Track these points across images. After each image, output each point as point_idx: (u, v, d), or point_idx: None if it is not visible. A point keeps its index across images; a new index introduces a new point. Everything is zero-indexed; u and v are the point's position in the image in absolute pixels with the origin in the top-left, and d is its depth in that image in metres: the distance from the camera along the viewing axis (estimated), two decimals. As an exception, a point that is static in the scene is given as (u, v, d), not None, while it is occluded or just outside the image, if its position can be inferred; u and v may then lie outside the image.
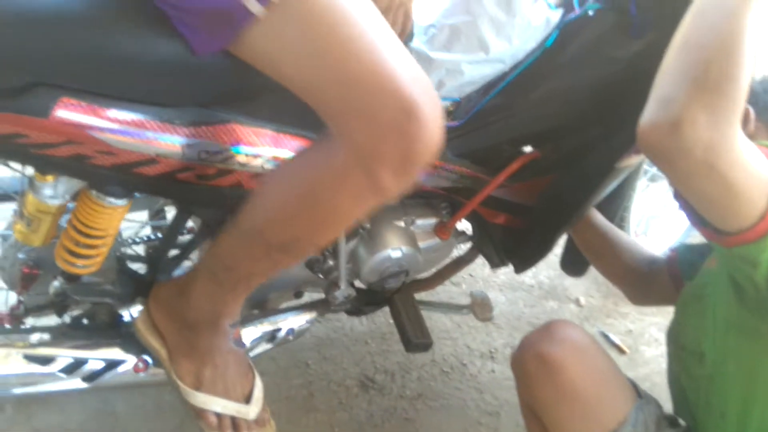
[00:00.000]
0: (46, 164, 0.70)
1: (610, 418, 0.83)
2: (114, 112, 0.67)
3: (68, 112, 0.65)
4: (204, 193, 0.80)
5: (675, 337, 0.94)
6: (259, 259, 0.74)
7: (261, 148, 0.78)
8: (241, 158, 0.77)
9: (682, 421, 0.92)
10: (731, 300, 0.80)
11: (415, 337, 1.03)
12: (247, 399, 0.87)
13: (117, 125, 0.67)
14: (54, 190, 0.75)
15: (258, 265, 0.76)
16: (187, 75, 0.67)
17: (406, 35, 0.80)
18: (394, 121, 0.61)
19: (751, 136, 0.81)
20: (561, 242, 1.34)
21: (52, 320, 0.91)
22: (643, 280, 1.13)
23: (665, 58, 0.66)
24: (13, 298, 0.91)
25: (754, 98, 0.86)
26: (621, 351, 1.58)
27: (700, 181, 0.64)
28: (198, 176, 0.77)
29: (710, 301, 0.85)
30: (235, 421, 0.86)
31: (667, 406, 0.95)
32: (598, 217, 1.17)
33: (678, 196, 0.81)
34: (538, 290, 1.69)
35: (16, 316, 0.89)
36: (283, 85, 0.65)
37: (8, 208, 0.87)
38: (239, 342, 0.95)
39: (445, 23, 0.84)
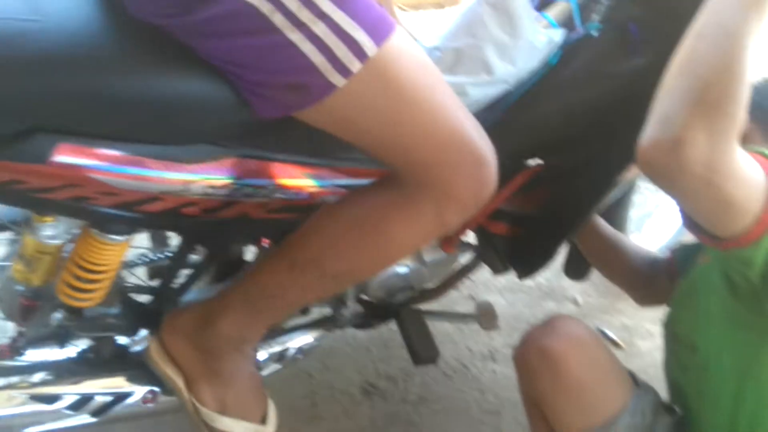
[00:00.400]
0: (46, 207, 0.68)
1: (609, 408, 0.84)
2: (114, 154, 0.64)
3: (67, 157, 0.62)
4: (210, 225, 0.77)
5: (670, 330, 0.95)
6: (311, 288, 0.77)
7: (267, 179, 0.75)
8: (246, 190, 0.74)
9: (678, 409, 0.93)
10: (724, 294, 0.81)
11: (423, 351, 1.03)
12: (263, 419, 0.88)
13: (118, 166, 0.64)
14: (53, 231, 0.72)
15: (306, 293, 0.78)
16: (189, 115, 0.64)
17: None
18: (471, 169, 0.70)
19: (744, 136, 0.82)
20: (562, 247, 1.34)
21: (55, 353, 0.88)
22: (646, 283, 1.13)
23: (666, 77, 0.65)
24: (13, 328, 0.88)
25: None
26: (618, 346, 1.58)
27: (698, 196, 0.64)
28: (203, 210, 0.74)
29: (702, 296, 0.86)
30: None
31: (664, 396, 0.96)
32: (602, 225, 1.17)
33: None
34: (537, 291, 1.68)
35: (17, 348, 0.87)
36: (352, 143, 0.69)
37: (5, 237, 0.84)
38: (257, 364, 0.94)
39: (450, 46, 0.82)
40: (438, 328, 1.51)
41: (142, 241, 0.99)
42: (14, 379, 0.78)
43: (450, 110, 0.68)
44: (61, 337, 0.87)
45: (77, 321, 0.83)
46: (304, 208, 0.82)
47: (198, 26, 0.59)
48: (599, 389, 0.86)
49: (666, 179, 0.64)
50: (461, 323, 1.22)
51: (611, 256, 1.16)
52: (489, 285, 1.67)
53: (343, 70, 0.61)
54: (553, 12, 0.91)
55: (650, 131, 0.63)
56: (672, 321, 0.95)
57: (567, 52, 0.85)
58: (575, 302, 1.68)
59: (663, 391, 0.97)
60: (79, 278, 0.77)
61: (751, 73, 0.61)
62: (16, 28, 0.55)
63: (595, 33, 0.84)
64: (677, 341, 0.93)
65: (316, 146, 0.73)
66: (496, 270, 1.17)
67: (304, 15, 0.58)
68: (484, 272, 1.66)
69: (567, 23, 0.87)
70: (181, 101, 0.63)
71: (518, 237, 1.12)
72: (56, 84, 0.58)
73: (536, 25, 0.82)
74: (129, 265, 0.97)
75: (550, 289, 1.69)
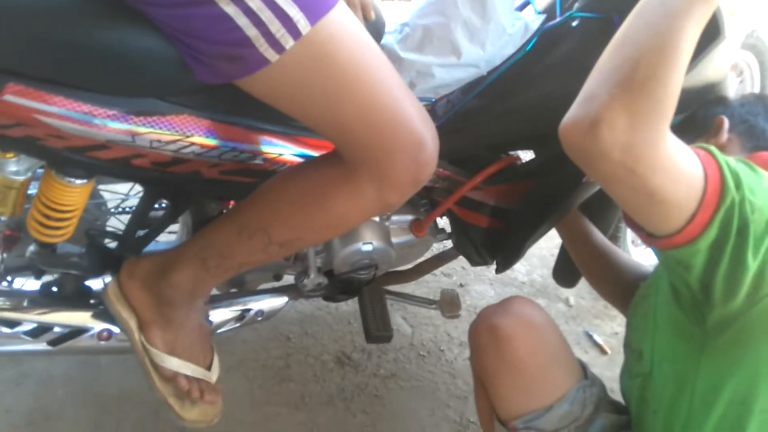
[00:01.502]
0: (4, 143, 0.69)
1: (549, 394, 0.81)
2: (62, 99, 0.64)
3: (16, 98, 0.62)
4: (164, 179, 0.77)
5: (625, 336, 0.90)
6: (257, 251, 0.77)
7: (216, 140, 0.74)
8: (195, 148, 0.73)
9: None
10: (669, 301, 0.76)
11: (375, 329, 1.01)
12: (209, 367, 0.89)
13: (65, 111, 0.65)
14: (17, 167, 0.74)
15: (253, 256, 0.78)
16: (135, 68, 0.63)
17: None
18: (411, 152, 0.68)
19: (722, 146, 0.76)
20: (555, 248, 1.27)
21: (23, 283, 0.92)
22: None
23: (601, 56, 0.59)
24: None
25: (730, 111, 0.80)
26: (603, 351, 1.51)
27: (621, 184, 0.59)
28: (153, 163, 0.74)
29: (652, 301, 0.81)
30: (199, 385, 0.87)
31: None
32: (595, 235, 1.08)
33: None
34: (529, 287, 1.62)
35: (-4, 275, 0.91)
36: (293, 117, 0.68)
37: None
38: (207, 318, 0.95)
39: (419, 23, 0.77)
40: (421, 311, 1.48)
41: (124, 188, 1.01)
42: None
43: (389, 92, 0.66)
44: (36, 269, 0.90)
45: (49, 256, 0.85)
46: (260, 173, 0.81)
47: None
48: (542, 374, 0.82)
49: (585, 161, 0.58)
50: (424, 307, 1.18)
51: (602, 268, 1.08)
52: (481, 275, 1.62)
53: (276, 45, 0.60)
54: (542, -2, 0.84)
55: (572, 109, 0.59)
56: (627, 328, 0.90)
57: (543, 39, 0.79)
58: (567, 303, 1.61)
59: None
60: (45, 215, 0.78)
61: (686, 61, 0.55)
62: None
63: (575, 23, 0.77)
64: (627, 347, 0.88)
65: (267, 113, 0.71)
66: (473, 261, 1.13)
67: None
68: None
69: (548, 11, 0.81)
70: (128, 54, 0.62)
71: (497, 230, 1.07)
72: (3, 28, 0.58)
73: (511, 9, 0.76)
74: (110, 210, 1.00)
75: (543, 287, 1.63)
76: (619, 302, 1.08)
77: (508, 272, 1.66)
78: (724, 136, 0.77)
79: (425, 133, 0.68)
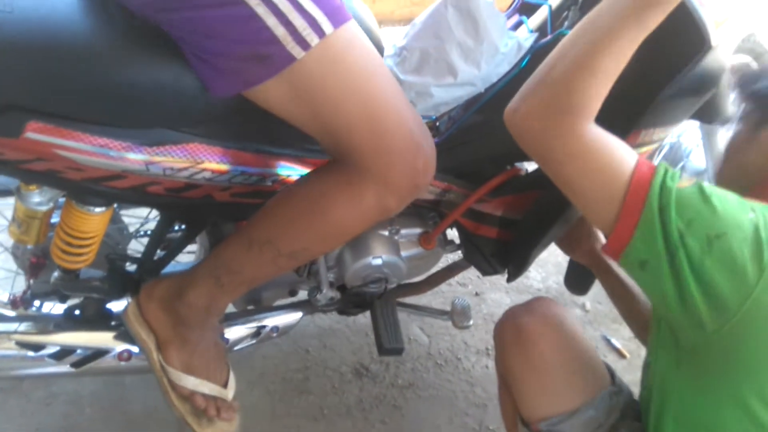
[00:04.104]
0: (26, 176, 0.73)
1: (574, 398, 0.80)
2: (79, 134, 0.67)
3: (36, 134, 0.66)
4: (178, 203, 0.80)
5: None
6: (266, 264, 0.79)
7: (226, 165, 0.77)
8: (206, 174, 0.76)
9: None
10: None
11: (387, 342, 1.02)
12: (225, 384, 0.91)
13: (82, 145, 0.68)
14: (39, 198, 0.78)
15: (263, 269, 0.80)
16: (149, 102, 0.66)
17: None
18: (409, 157, 0.71)
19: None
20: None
21: (48, 307, 0.95)
22: None
23: None
24: (20, 283, 0.96)
25: None
26: (621, 355, 1.50)
27: (546, 169, 0.66)
28: (167, 189, 0.77)
29: (657, 316, 0.80)
30: (216, 402, 0.89)
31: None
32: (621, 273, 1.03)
33: None
34: (545, 294, 1.61)
35: (24, 300, 0.95)
36: (298, 125, 0.70)
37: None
38: (222, 336, 0.97)
39: (415, 46, 0.79)
40: (437, 321, 1.48)
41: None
42: (7, 326, 0.85)
43: (393, 100, 0.69)
44: (61, 294, 0.94)
45: (72, 281, 0.89)
46: (270, 194, 0.83)
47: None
48: (568, 376, 0.81)
49: (519, 142, 0.66)
50: (436, 318, 1.19)
51: (626, 294, 1.02)
52: (496, 284, 1.62)
53: (302, 42, 0.63)
54: (535, 17, 0.86)
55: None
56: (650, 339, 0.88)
57: (536, 57, 0.80)
58: (584, 308, 1.59)
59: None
60: (67, 243, 0.82)
61: (607, 76, 0.60)
62: (-12, 17, 0.59)
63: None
64: (645, 362, 0.86)
65: (274, 137, 0.74)
66: (483, 271, 1.13)
67: None
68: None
69: (541, 28, 0.82)
70: (142, 90, 0.66)
71: (505, 240, 1.08)
72: (26, 68, 0.61)
73: (503, 28, 0.77)
74: (132, 237, 1.03)
75: (559, 293, 1.62)
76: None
77: (524, 279, 1.65)
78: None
79: (423, 140, 0.71)
